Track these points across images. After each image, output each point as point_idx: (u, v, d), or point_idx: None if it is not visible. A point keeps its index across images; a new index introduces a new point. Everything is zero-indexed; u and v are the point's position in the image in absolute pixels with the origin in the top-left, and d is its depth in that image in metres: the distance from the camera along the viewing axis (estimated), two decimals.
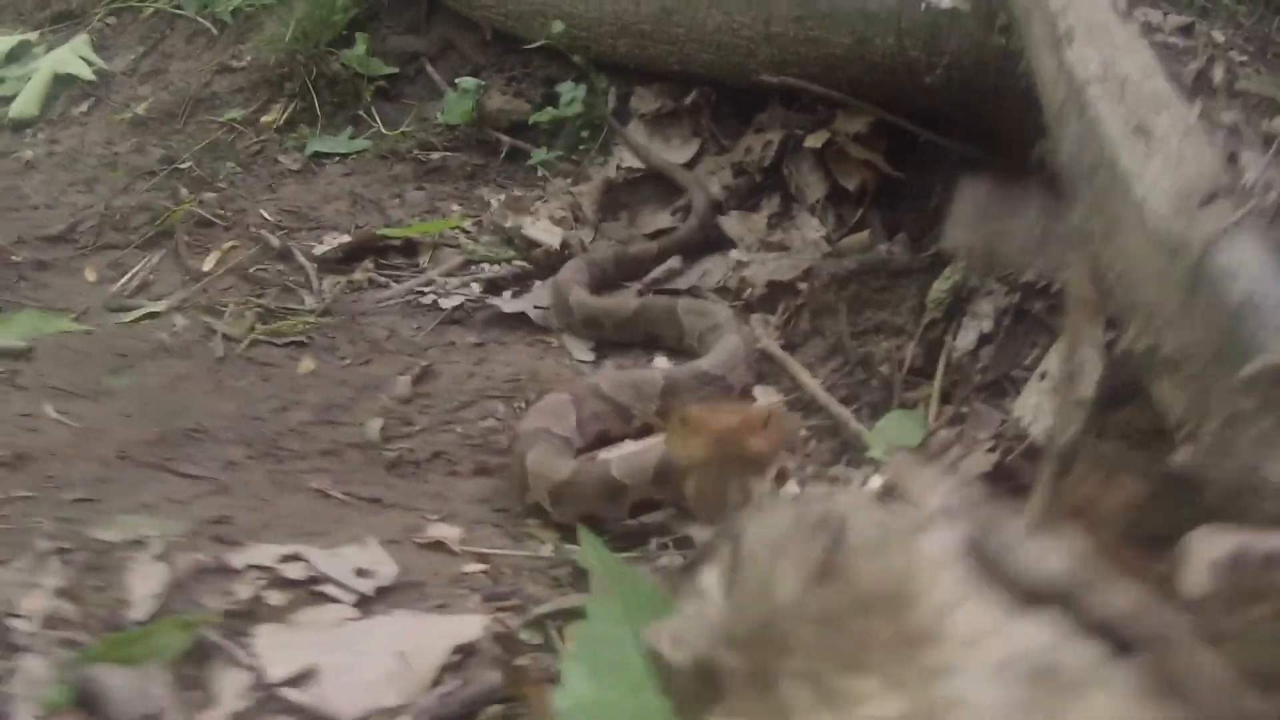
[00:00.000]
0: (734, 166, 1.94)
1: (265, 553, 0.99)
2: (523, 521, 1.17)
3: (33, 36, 2.83)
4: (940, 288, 1.43)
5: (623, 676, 0.56)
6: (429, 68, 2.41)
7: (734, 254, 1.80)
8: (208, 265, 1.92)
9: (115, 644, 0.84)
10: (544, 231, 1.86)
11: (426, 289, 1.78)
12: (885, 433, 1.24)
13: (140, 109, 2.53)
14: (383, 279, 1.84)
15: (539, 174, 2.11)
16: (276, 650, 0.86)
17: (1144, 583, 0.36)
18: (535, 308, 1.69)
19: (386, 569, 0.99)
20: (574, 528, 1.12)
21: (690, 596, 0.36)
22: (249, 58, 2.52)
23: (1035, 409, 1.12)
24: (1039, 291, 1.30)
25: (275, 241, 1.94)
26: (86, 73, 2.65)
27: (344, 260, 1.89)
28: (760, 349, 1.51)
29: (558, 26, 2.08)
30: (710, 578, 0.35)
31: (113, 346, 1.63)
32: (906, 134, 1.72)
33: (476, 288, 1.77)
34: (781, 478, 1.02)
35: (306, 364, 1.58)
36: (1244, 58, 2.25)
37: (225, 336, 1.64)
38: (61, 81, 2.66)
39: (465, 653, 0.88)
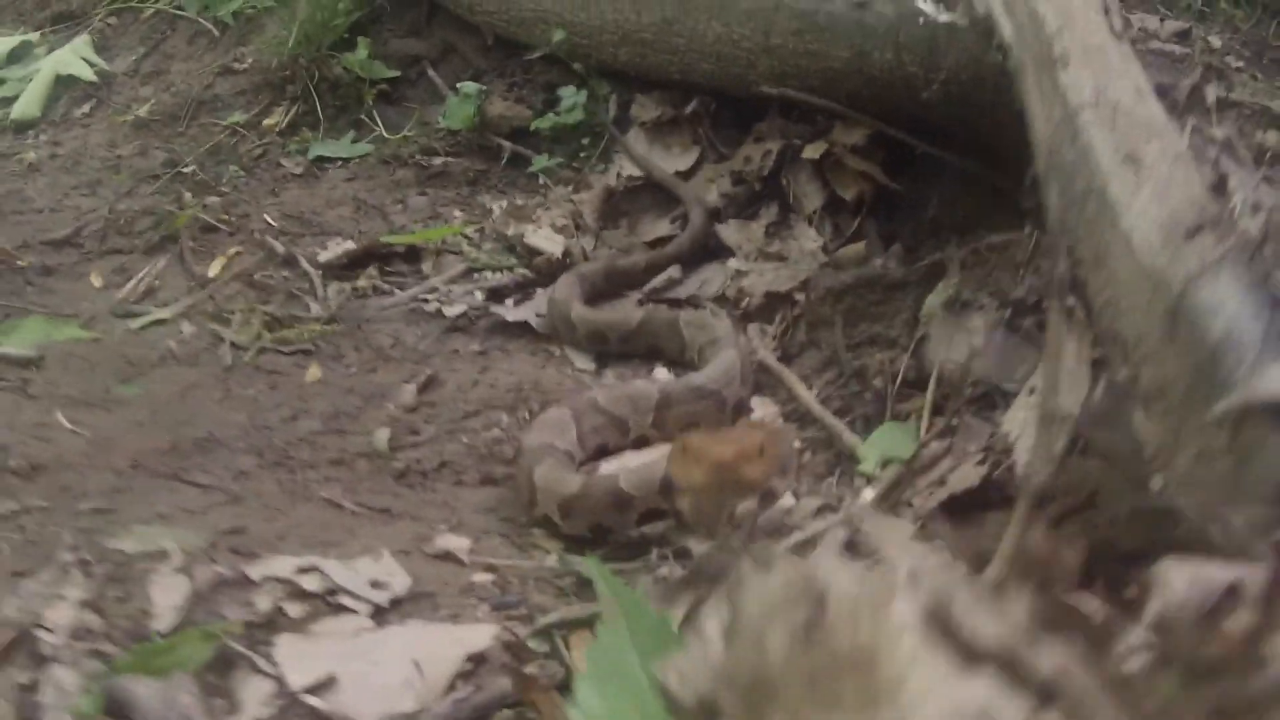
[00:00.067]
0: (733, 175, 1.97)
1: (282, 565, 1.03)
2: (528, 532, 1.21)
3: (34, 37, 2.82)
4: (934, 302, 1.46)
5: (630, 694, 0.60)
6: (430, 71, 2.42)
7: (732, 263, 1.83)
8: (213, 271, 1.94)
9: (142, 655, 0.88)
10: (546, 240, 1.89)
11: (430, 296, 1.81)
12: (878, 445, 1.28)
13: (142, 111, 2.54)
14: (387, 286, 1.87)
15: (540, 181, 2.13)
16: (297, 659, 0.90)
17: (1094, 628, 0.40)
18: (537, 316, 1.72)
19: (399, 580, 1.02)
20: (578, 538, 1.17)
21: (696, 639, 0.40)
22: (251, 60, 2.53)
23: (1022, 424, 1.16)
24: (1030, 308, 1.34)
25: (279, 247, 1.96)
26: (88, 74, 2.65)
27: (348, 267, 1.92)
28: (757, 361, 1.55)
29: (559, 34, 2.10)
30: (713, 624, 0.39)
31: (121, 354, 1.65)
32: (904, 146, 1.75)
33: (479, 295, 1.80)
34: (771, 498, 1.06)
35: (313, 372, 1.61)
36: (1240, 63, 2.28)
37: (233, 344, 1.67)
38: (63, 83, 2.66)
39: (476, 661, 0.92)
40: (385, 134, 2.33)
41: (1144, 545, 0.71)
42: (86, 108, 2.64)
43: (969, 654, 0.36)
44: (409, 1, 2.50)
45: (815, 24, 1.73)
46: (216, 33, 2.67)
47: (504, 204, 2.07)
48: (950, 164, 1.70)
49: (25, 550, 1.12)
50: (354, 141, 2.33)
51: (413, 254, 1.96)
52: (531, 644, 0.95)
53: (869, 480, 1.23)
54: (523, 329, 1.71)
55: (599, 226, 1.97)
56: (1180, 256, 0.89)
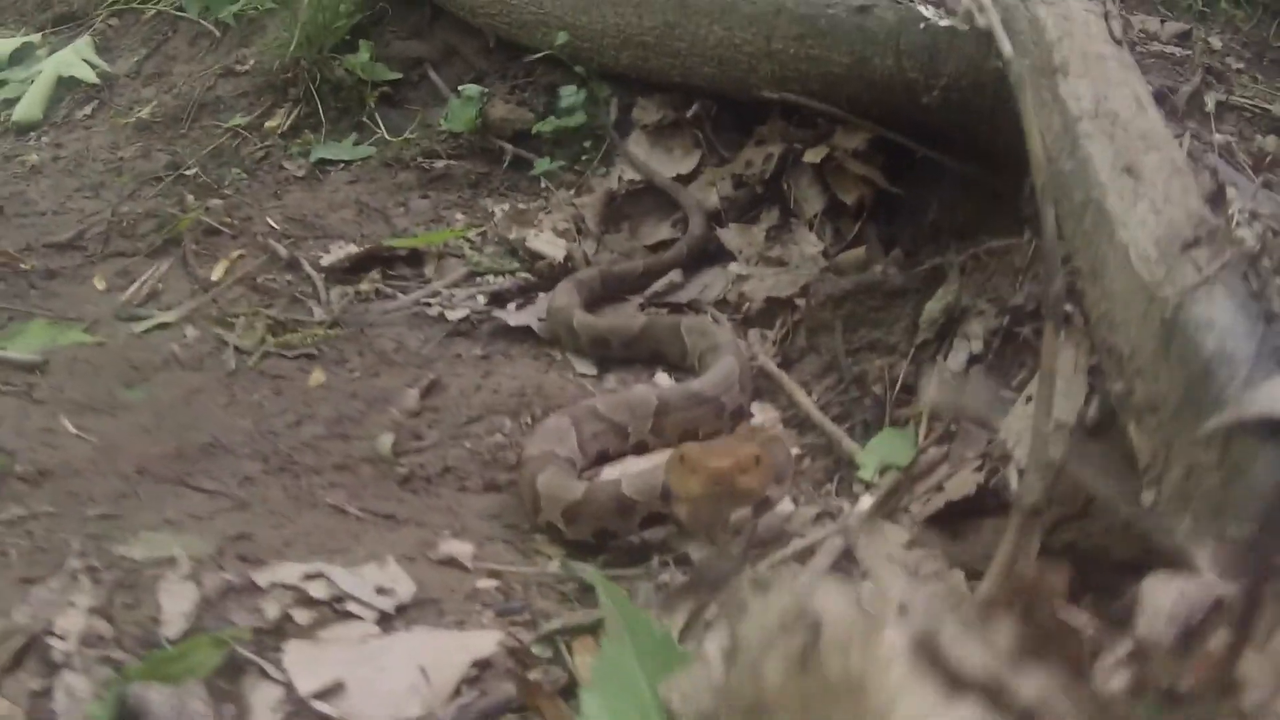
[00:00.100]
0: (734, 178, 1.98)
1: (289, 571, 1.04)
2: (530, 537, 1.22)
3: (35, 38, 2.83)
4: (933, 308, 1.48)
5: (634, 706, 0.61)
6: (432, 73, 2.43)
7: (733, 267, 1.84)
8: (216, 274, 1.95)
9: (154, 662, 0.89)
10: (548, 244, 1.90)
11: (432, 300, 1.82)
12: (877, 452, 1.30)
13: (144, 112, 2.54)
14: (389, 290, 1.88)
15: (542, 184, 2.14)
16: (305, 665, 0.92)
17: (1075, 655, 0.41)
18: (539, 321, 1.73)
19: (405, 587, 1.04)
20: (580, 544, 1.19)
21: (698, 660, 0.42)
22: (252, 61, 2.53)
23: (1019, 432, 1.17)
24: (1029, 314, 1.35)
25: (282, 251, 1.97)
26: (90, 75, 2.65)
27: (351, 270, 1.92)
28: (758, 366, 1.56)
29: (561, 37, 2.11)
30: (714, 647, 0.41)
31: (126, 358, 1.66)
32: (904, 150, 1.76)
33: (482, 299, 1.81)
34: (766, 505, 1.08)
35: (317, 376, 1.62)
36: (1241, 64, 2.29)
37: (236, 349, 1.68)
38: (65, 84, 2.67)
39: (481, 666, 0.94)
40: (387, 136, 2.34)
41: (1136, 555, 0.73)
42: (88, 109, 2.65)
43: (955, 682, 0.37)
44: (411, 3, 2.50)
45: (816, 29, 1.74)
46: (218, 34, 2.67)
47: (506, 207, 2.07)
48: (950, 168, 1.71)
49: (34, 556, 1.13)
50: (356, 144, 2.34)
51: (415, 257, 1.97)
52: (535, 650, 0.97)
53: (868, 487, 1.24)
54: (525, 333, 1.72)
55: (601, 230, 1.98)
56: (1176, 271, 0.90)
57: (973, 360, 1.39)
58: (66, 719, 0.86)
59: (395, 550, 1.12)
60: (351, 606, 1.00)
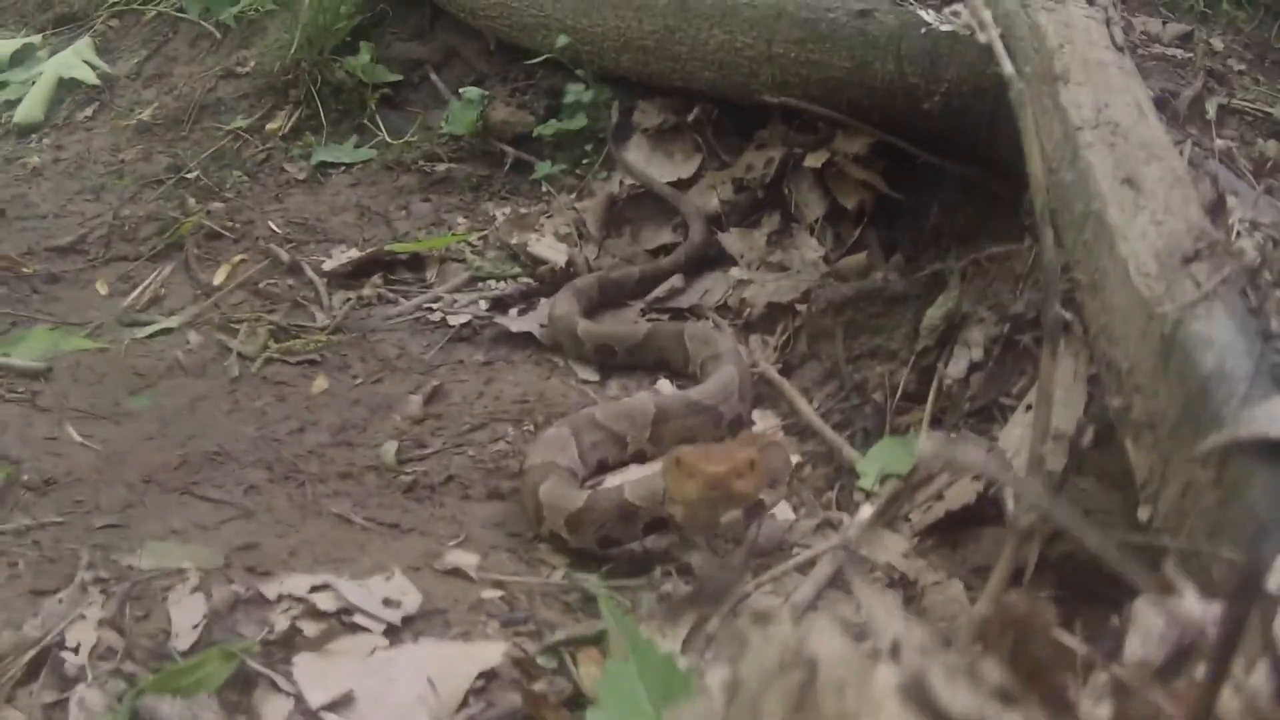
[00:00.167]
0: (735, 182, 1.98)
1: (297, 583, 1.05)
2: (534, 546, 1.23)
3: (36, 39, 2.82)
4: (934, 315, 1.48)
5: None
6: (433, 76, 2.42)
7: (734, 272, 1.84)
8: (218, 279, 1.95)
9: (166, 676, 0.90)
10: (549, 249, 1.90)
11: (434, 306, 1.83)
12: (877, 460, 1.31)
13: (145, 114, 2.54)
14: (391, 295, 1.88)
15: (543, 188, 2.14)
16: (315, 677, 0.93)
17: (1060, 696, 0.42)
18: (541, 326, 1.73)
19: (411, 598, 1.05)
20: (583, 553, 1.20)
21: (701, 693, 0.43)
22: (253, 63, 2.52)
23: (1019, 441, 1.18)
24: (1029, 322, 1.35)
25: (284, 255, 1.98)
26: (91, 77, 2.65)
27: (353, 275, 1.93)
28: (758, 373, 1.56)
29: (562, 40, 2.10)
30: (716, 679, 0.42)
31: (129, 365, 1.67)
32: (905, 154, 1.76)
33: (483, 304, 1.82)
34: (760, 509, 1.09)
35: (320, 383, 1.63)
36: (1242, 65, 2.28)
37: (240, 355, 1.69)
38: (66, 86, 2.66)
39: (488, 677, 0.95)
40: (388, 139, 2.34)
41: (1132, 570, 0.74)
42: (89, 111, 2.65)
43: None
44: (411, 5, 2.49)
45: (817, 33, 1.73)
46: (218, 35, 2.67)
47: (507, 211, 2.08)
48: (950, 173, 1.71)
49: (42, 567, 1.14)
50: (357, 146, 2.34)
51: (417, 262, 1.97)
52: (540, 660, 0.98)
53: (868, 495, 1.25)
54: (527, 339, 1.72)
55: (602, 235, 1.99)
56: (1175, 286, 0.90)
57: (973, 368, 1.39)
58: None
59: (400, 560, 1.13)
60: (359, 619, 1.01)
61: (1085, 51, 1.33)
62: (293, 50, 2.37)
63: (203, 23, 2.70)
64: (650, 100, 2.10)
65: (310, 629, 0.99)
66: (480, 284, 1.89)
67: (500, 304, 1.82)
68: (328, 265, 1.94)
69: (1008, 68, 0.97)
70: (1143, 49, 2.01)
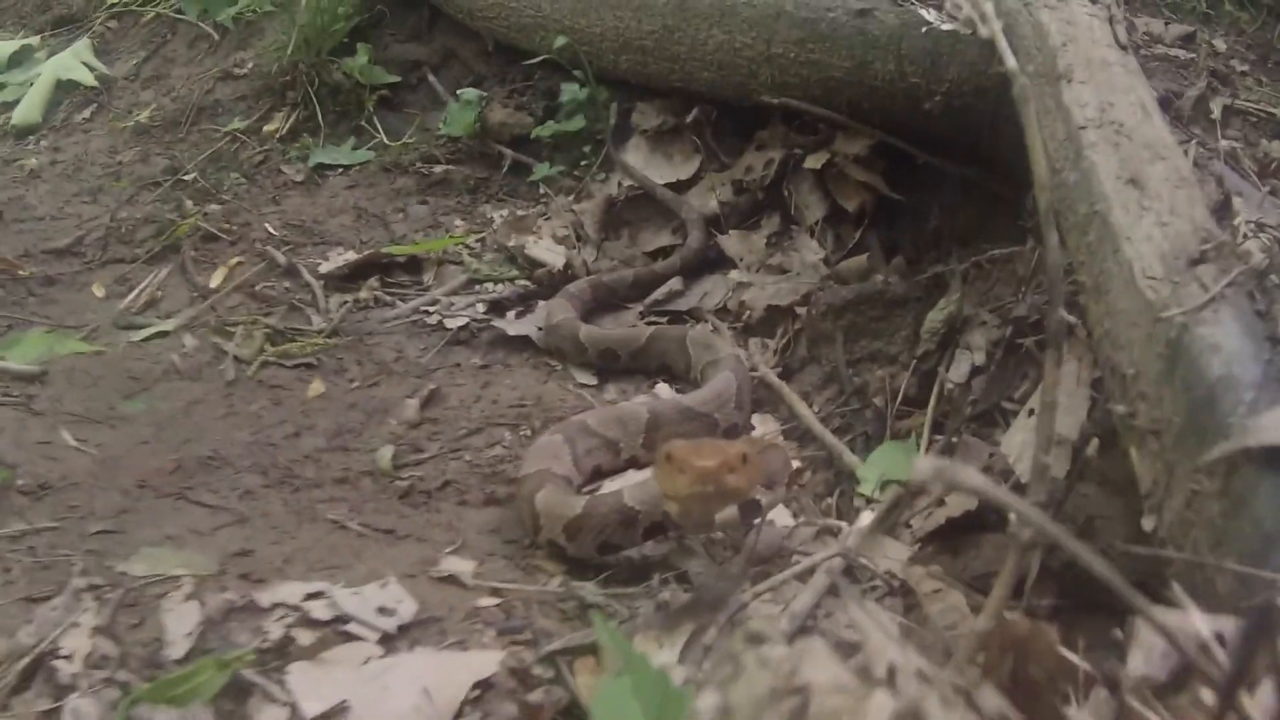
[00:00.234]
0: (734, 184, 1.97)
1: (291, 591, 1.04)
2: (531, 553, 1.22)
3: (34, 41, 2.81)
4: (935, 318, 1.46)
5: None
6: (431, 77, 2.41)
7: (734, 274, 1.83)
8: (215, 281, 1.94)
9: (160, 685, 0.89)
10: (547, 251, 1.89)
11: (431, 309, 1.81)
12: (877, 465, 1.29)
13: (143, 116, 2.53)
14: (388, 297, 1.87)
15: (541, 190, 2.13)
16: (309, 687, 0.91)
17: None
18: (538, 329, 1.72)
19: (406, 606, 1.04)
20: (582, 561, 1.18)
21: (694, 717, 0.41)
22: (251, 65, 2.52)
23: (1021, 446, 1.17)
24: (1031, 325, 1.34)
25: (281, 258, 1.97)
26: (89, 79, 2.64)
27: (349, 277, 1.92)
28: (758, 377, 1.55)
29: (560, 41, 2.09)
30: (708, 706, 0.41)
31: (125, 369, 1.66)
32: (906, 155, 1.74)
33: (481, 307, 1.80)
34: (754, 509, 1.07)
35: (316, 386, 1.62)
36: (1245, 66, 2.26)
37: (235, 358, 1.68)
38: (64, 87, 2.66)
39: (484, 687, 0.93)
40: (386, 140, 2.33)
41: (1136, 577, 0.72)
42: (87, 113, 2.64)
43: None
44: (409, 6, 2.48)
45: (817, 33, 1.72)
46: (216, 37, 2.66)
47: (505, 213, 2.06)
48: (951, 174, 1.70)
49: (36, 574, 1.13)
50: (354, 148, 2.33)
51: (414, 264, 1.96)
52: (537, 670, 0.97)
53: (868, 501, 1.24)
54: (524, 342, 1.71)
55: (600, 237, 1.97)
56: (1181, 289, 0.89)
57: (975, 372, 1.38)
58: None
59: (396, 567, 1.12)
60: (354, 627, 1.00)
61: (1088, 50, 1.31)
62: (290, 52, 2.36)
63: (201, 24, 2.69)
64: (649, 101, 2.08)
65: (305, 637, 0.98)
66: (478, 287, 1.87)
67: (498, 307, 1.81)
68: (324, 268, 1.93)
69: (1010, 62, 0.95)
70: (1145, 49, 1.99)
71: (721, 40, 1.85)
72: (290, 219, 2.13)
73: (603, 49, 2.06)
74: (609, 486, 1.32)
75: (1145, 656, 0.57)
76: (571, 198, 2.06)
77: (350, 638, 0.99)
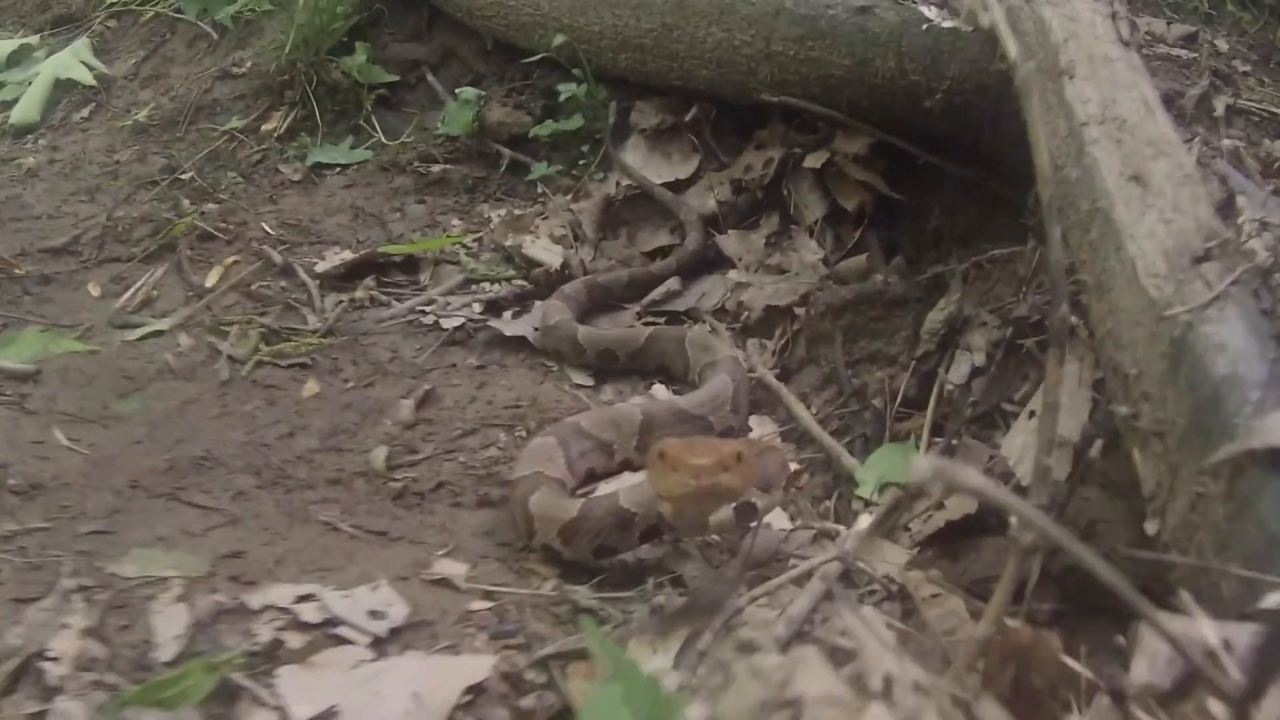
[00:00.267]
0: (733, 183, 1.95)
1: (281, 593, 1.03)
2: (524, 556, 1.20)
3: (33, 40, 2.81)
4: (935, 319, 1.45)
5: None
6: (430, 76, 2.40)
7: (732, 274, 1.81)
8: (210, 281, 1.93)
9: (148, 688, 0.88)
10: (544, 250, 1.87)
11: (428, 308, 1.80)
12: (876, 468, 1.28)
13: (141, 115, 2.53)
14: (384, 297, 1.86)
15: (539, 189, 2.11)
16: (299, 691, 0.90)
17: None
18: (535, 330, 1.71)
19: (397, 609, 1.02)
20: (576, 565, 1.17)
21: None
22: (249, 64, 2.51)
23: (1021, 449, 1.15)
24: (1032, 326, 1.32)
25: (277, 257, 1.95)
26: (87, 78, 2.64)
27: (346, 277, 1.91)
28: (756, 378, 1.53)
29: (559, 39, 2.08)
30: (698, 714, 0.39)
31: (119, 368, 1.65)
32: (905, 155, 1.73)
33: (477, 307, 1.79)
34: (750, 510, 1.05)
35: (310, 386, 1.61)
36: (1247, 67, 2.24)
37: (230, 358, 1.67)
38: (62, 86, 2.65)
39: (475, 692, 0.92)
40: (384, 140, 2.32)
41: (1138, 582, 0.71)
42: (85, 112, 2.63)
43: None
44: (409, 5, 2.47)
45: (817, 30, 1.71)
46: (215, 36, 2.65)
47: (503, 213, 2.05)
48: (952, 173, 1.68)
49: (26, 574, 1.12)
50: (352, 147, 2.32)
51: (410, 263, 1.95)
52: (529, 675, 0.95)
53: (867, 505, 1.22)
54: (521, 343, 1.70)
55: (598, 237, 1.96)
56: (1185, 287, 0.87)
57: (975, 373, 1.36)
58: None
59: (388, 569, 1.11)
60: (344, 630, 0.99)
61: (1091, 46, 1.29)
62: (288, 51, 2.35)
63: (200, 23, 2.68)
64: (648, 100, 2.07)
65: (295, 641, 0.97)
66: (474, 286, 1.86)
67: (494, 307, 1.79)
68: (320, 267, 1.92)
69: (1012, 51, 0.94)
70: (1147, 49, 1.98)
71: (720, 38, 1.84)
72: (287, 218, 2.12)
73: (601, 47, 2.05)
74: (603, 489, 1.30)
75: (1149, 664, 0.55)
76: (569, 197, 2.04)
77: (340, 641, 0.98)
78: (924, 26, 1.59)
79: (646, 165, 2.02)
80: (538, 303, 1.77)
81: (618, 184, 2.01)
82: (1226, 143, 1.64)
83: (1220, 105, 1.73)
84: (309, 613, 1.00)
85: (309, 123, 2.37)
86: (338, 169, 2.28)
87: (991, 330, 1.38)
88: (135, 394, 1.59)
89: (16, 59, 2.76)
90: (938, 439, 1.32)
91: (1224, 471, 0.69)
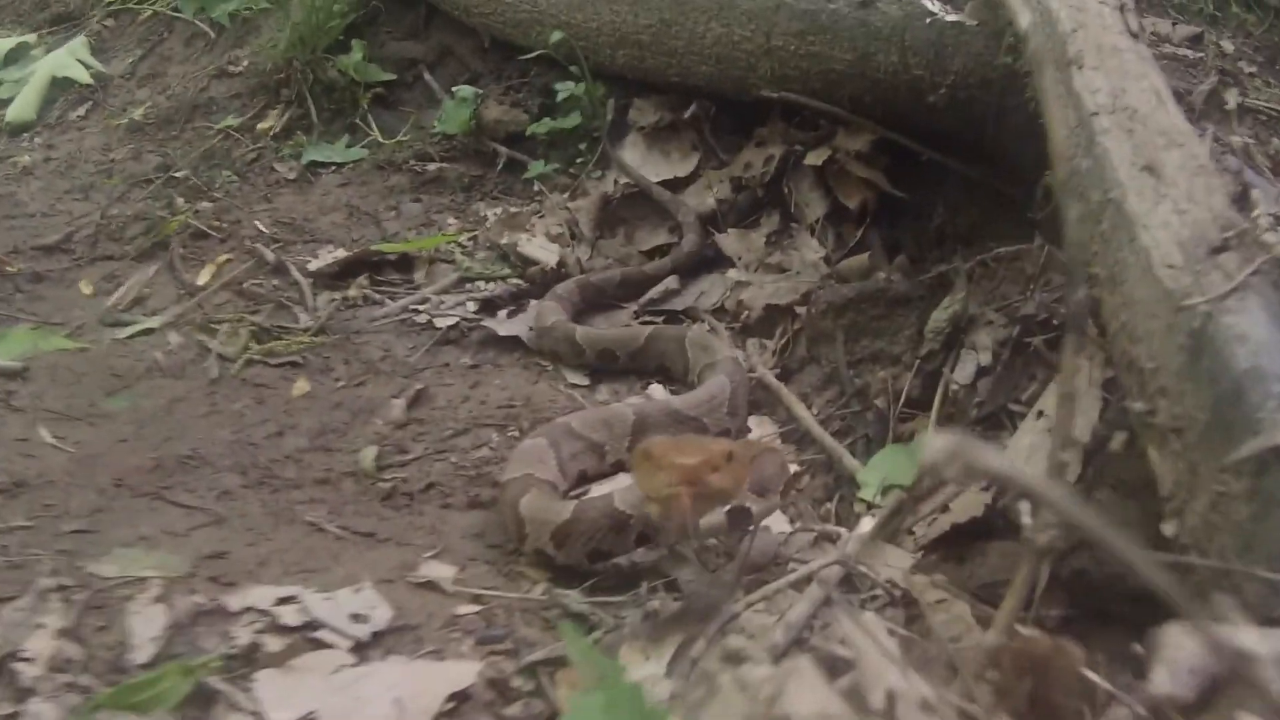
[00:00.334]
0: (733, 181, 1.92)
1: (262, 595, 1.00)
2: (514, 558, 1.17)
3: (31, 38, 2.80)
4: (939, 317, 1.41)
5: None
6: (427, 75, 2.38)
7: (732, 273, 1.78)
8: (202, 279, 1.91)
9: (123, 691, 0.85)
10: (540, 249, 1.85)
11: (421, 307, 1.77)
12: (879, 470, 1.24)
13: (137, 114, 2.51)
14: (378, 296, 1.84)
15: (535, 188, 2.09)
16: (277, 696, 0.87)
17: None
18: (530, 330, 1.68)
19: (381, 612, 0.99)
20: (567, 569, 1.13)
21: None
22: (246, 62, 2.50)
23: (1029, 449, 1.11)
24: (1039, 324, 1.29)
25: (270, 255, 1.93)
26: (84, 76, 2.63)
27: (339, 275, 1.88)
28: (756, 378, 1.50)
29: (556, 36, 2.05)
30: None
31: (108, 366, 1.63)
32: (908, 152, 1.70)
33: (471, 306, 1.76)
34: (743, 514, 1.01)
35: (301, 385, 1.58)
36: (1253, 68, 2.22)
37: (220, 356, 1.64)
38: (59, 85, 2.64)
39: (460, 699, 0.89)
40: (380, 138, 2.30)
41: (1178, 594, 0.67)
42: (82, 110, 2.62)
43: None
44: (405, 3, 2.45)
45: (818, 24, 1.68)
46: (213, 35, 2.64)
47: (499, 211, 2.03)
48: (955, 171, 1.65)
49: (5, 573, 1.09)
50: (348, 146, 2.30)
51: (405, 262, 1.92)
52: (516, 681, 0.92)
53: (869, 507, 1.19)
54: (515, 342, 1.67)
55: (595, 235, 1.93)
56: (1203, 278, 0.84)
57: (981, 373, 1.33)
58: None
59: (373, 571, 1.08)
60: (325, 634, 0.95)
61: (1099, 36, 1.26)
62: (285, 49, 2.34)
63: (197, 22, 2.67)
64: (646, 97, 2.04)
65: (273, 644, 0.94)
66: (469, 285, 1.83)
67: (489, 306, 1.77)
68: (313, 265, 1.89)
69: (1023, 22, 0.90)
70: (1153, 49, 1.95)
71: (720, 33, 1.81)
72: (281, 216, 2.10)
73: (599, 44, 2.02)
74: (596, 491, 1.27)
75: (1170, 672, 0.51)
76: (567, 195, 2.02)
77: (321, 645, 0.94)
78: (927, 20, 1.56)
79: (645, 163, 1.99)
80: (533, 302, 1.74)
81: (616, 182, 1.98)
82: (1236, 139, 1.61)
83: (1232, 99, 1.70)
84: (289, 615, 0.97)
85: (305, 121, 2.35)
86: (333, 167, 2.26)
87: (998, 329, 1.34)
88: (123, 392, 1.56)
89: (14, 57, 2.76)
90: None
91: (1247, 469, 0.65)
